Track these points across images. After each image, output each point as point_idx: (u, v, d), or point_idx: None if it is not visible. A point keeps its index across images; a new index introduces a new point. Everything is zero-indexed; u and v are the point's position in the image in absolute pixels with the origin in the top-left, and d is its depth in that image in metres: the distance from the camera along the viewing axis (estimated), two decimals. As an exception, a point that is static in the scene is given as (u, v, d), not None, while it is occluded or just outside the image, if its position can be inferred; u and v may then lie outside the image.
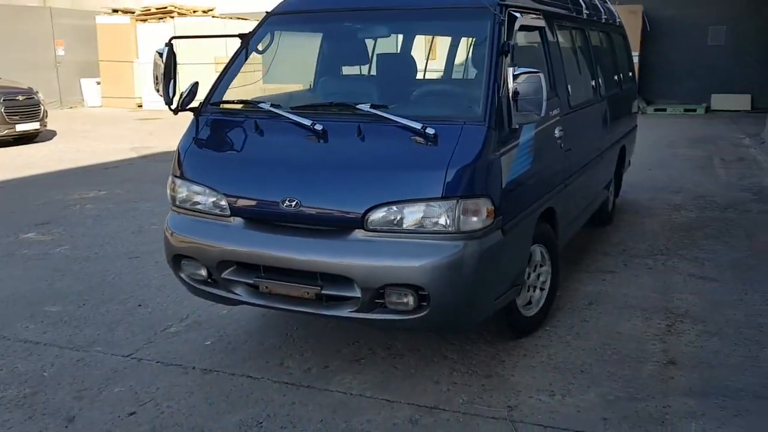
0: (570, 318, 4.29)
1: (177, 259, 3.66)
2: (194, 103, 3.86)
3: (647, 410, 3.24)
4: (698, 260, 5.42)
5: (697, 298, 4.61)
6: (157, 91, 3.82)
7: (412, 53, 4.57)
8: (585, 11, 5.29)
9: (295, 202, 3.29)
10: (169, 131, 14.39)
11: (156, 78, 3.79)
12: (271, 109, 3.60)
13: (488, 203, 3.16)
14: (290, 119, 3.50)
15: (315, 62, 4.58)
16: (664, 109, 16.86)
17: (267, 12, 4.15)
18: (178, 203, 3.71)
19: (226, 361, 3.82)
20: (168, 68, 3.73)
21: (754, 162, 10.13)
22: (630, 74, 6.92)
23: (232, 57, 4.04)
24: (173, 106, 3.77)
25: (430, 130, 3.18)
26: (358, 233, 3.22)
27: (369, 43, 4.41)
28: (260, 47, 4.07)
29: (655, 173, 9.13)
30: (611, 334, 4.05)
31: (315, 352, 3.89)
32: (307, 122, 3.41)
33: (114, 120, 16.62)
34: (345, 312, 3.27)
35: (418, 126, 3.20)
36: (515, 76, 3.23)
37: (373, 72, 4.33)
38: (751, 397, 3.35)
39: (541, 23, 4.13)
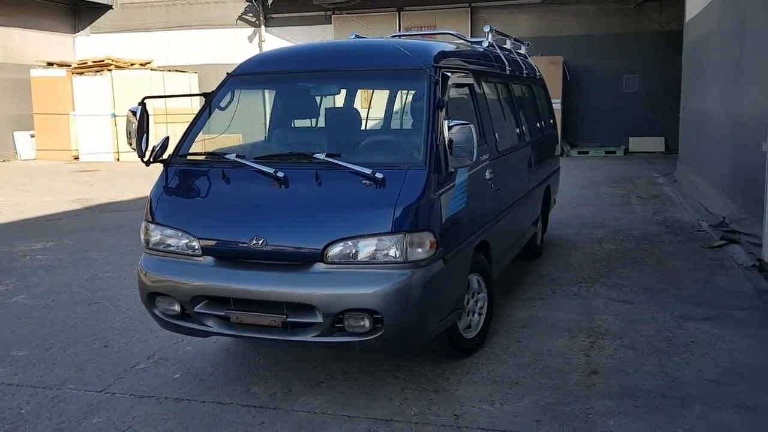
0: (505, 339, 4.79)
1: (151, 297, 4.01)
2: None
3: (573, 412, 3.74)
4: (617, 286, 6.05)
5: (615, 319, 5.19)
6: (130, 144, 4.21)
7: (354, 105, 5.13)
8: (508, 67, 5.95)
9: (262, 241, 3.71)
10: (109, 183, 14.53)
11: (129, 133, 4.17)
12: (237, 159, 4.04)
13: (431, 236, 3.66)
14: (254, 168, 3.94)
15: (268, 116, 5.05)
16: (587, 152, 17.99)
17: (227, 73, 4.62)
18: (151, 246, 4.07)
19: (195, 391, 4.14)
20: (141, 125, 4.13)
21: (667, 198, 11.04)
22: (551, 121, 7.64)
23: (198, 113, 4.47)
24: (145, 159, 4.16)
25: (378, 175, 3.67)
26: (319, 266, 3.66)
27: (318, 98, 4.93)
28: (222, 104, 4.52)
29: (579, 210, 9.88)
30: (542, 352, 4.57)
31: (278, 378, 4.25)
32: (270, 170, 3.86)
33: (51, 172, 16.59)
34: (309, 337, 3.68)
35: (368, 171, 3.69)
36: (450, 127, 3.77)
37: (323, 124, 4.83)
38: (660, 397, 3.89)
39: (470, 80, 4.72)
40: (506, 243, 5.25)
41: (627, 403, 3.81)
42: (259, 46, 20.40)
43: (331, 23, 19.83)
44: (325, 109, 4.87)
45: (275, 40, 20.22)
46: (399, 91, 4.53)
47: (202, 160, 4.25)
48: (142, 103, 4.18)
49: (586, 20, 18.28)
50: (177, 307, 3.93)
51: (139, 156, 4.17)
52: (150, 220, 4.08)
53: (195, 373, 4.41)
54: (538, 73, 7.48)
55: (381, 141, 4.31)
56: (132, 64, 19.29)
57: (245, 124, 4.80)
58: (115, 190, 13.24)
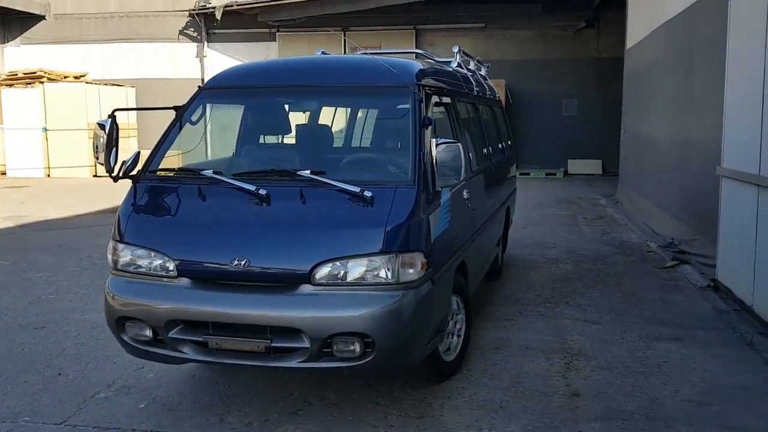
0: (481, 362, 4.72)
1: (120, 322, 3.75)
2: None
3: (563, 436, 3.69)
4: (581, 306, 6.08)
5: (586, 339, 5.20)
6: (97, 159, 3.96)
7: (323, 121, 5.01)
8: (475, 88, 5.96)
9: (244, 261, 3.53)
10: (42, 199, 13.88)
11: (96, 147, 3.93)
12: (214, 176, 3.85)
13: (422, 257, 3.56)
14: (234, 185, 3.76)
15: (237, 131, 4.87)
16: (528, 173, 18.29)
17: (199, 86, 4.43)
18: (120, 267, 3.82)
19: (165, 422, 3.89)
20: (110, 138, 3.89)
21: (612, 219, 11.30)
22: (509, 142, 7.70)
23: (168, 127, 4.25)
24: (114, 174, 3.92)
25: (367, 193, 3.55)
26: (306, 287, 3.50)
27: (293, 114, 4.79)
28: (193, 119, 4.32)
29: (530, 230, 9.98)
30: (520, 374, 4.52)
31: (253, 407, 4.05)
32: (251, 187, 3.69)
33: (-23, 189, 15.73)
34: (294, 362, 3.51)
35: (356, 189, 3.58)
36: (438, 146, 3.70)
37: (300, 141, 4.68)
38: (644, 418, 3.88)
39: (447, 99, 4.68)
40: (479, 263, 5.21)
41: (614, 426, 3.79)
42: (201, 61, 20.00)
43: (275, 41, 19.63)
44: (300, 126, 4.73)
45: (218, 56, 19.87)
46: (381, 108, 4.44)
47: (173, 177, 4.04)
48: (112, 116, 3.95)
49: (527, 45, 18.69)
50: (149, 333, 3.70)
51: (107, 171, 3.93)
52: (118, 239, 3.84)
53: (162, 402, 4.15)
54: (497, 95, 7.53)
55: (364, 159, 4.20)
56: (65, 77, 18.58)
57: (216, 139, 4.61)
58: (48, 208, 12.64)
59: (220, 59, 19.78)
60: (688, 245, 8.11)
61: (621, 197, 13.16)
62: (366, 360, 3.46)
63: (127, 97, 19.54)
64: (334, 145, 4.56)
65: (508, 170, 7.33)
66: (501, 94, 17.80)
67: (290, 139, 4.57)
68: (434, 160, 3.72)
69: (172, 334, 3.63)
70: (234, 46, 19.77)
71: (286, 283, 3.54)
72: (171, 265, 3.67)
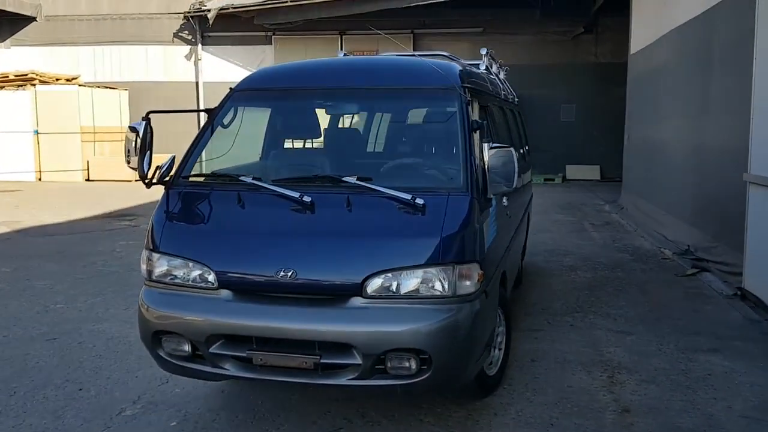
0: (521, 375, 4.54)
1: (156, 336, 3.54)
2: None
3: (623, 455, 3.52)
4: (610, 316, 5.93)
5: (623, 351, 5.04)
6: (128, 164, 3.75)
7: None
8: (502, 91, 5.80)
9: (291, 273, 3.33)
10: (36, 204, 13.58)
11: (128, 152, 3.72)
12: (254, 182, 3.66)
13: (478, 268, 3.38)
14: (275, 192, 3.56)
15: (265, 135, 4.66)
16: (527, 179, 18.18)
17: (230, 88, 4.23)
18: (155, 278, 3.62)
19: (200, 441, 3.69)
20: (144, 142, 3.69)
21: (619, 225, 11.19)
22: (527, 147, 7.55)
23: (201, 131, 4.05)
24: (148, 180, 3.71)
25: (419, 201, 3.37)
26: (356, 300, 3.31)
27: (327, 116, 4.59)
28: (225, 122, 4.12)
29: (540, 237, 9.82)
30: (563, 388, 4.34)
31: (291, 424, 3.85)
32: (295, 194, 3.49)
33: (-32, 193, 15.37)
34: (343, 380, 3.31)
35: (407, 197, 3.39)
36: (490, 150, 3.52)
37: (340, 146, 4.48)
38: (702, 436, 3.73)
39: (485, 102, 4.51)
40: (514, 272, 5.04)
41: (673, 444, 3.63)
42: (196, 64, 19.74)
43: (271, 44, 19.42)
44: (339, 129, 4.53)
45: (212, 59, 19.64)
46: (426, 111, 4.25)
47: (209, 182, 3.84)
48: (147, 118, 3.74)
49: (525, 50, 18.61)
50: (187, 348, 3.49)
51: (140, 177, 3.72)
52: (153, 248, 3.62)
53: (194, 419, 3.94)
54: (517, 98, 7.39)
55: (410, 165, 4.00)
56: (57, 79, 18.27)
57: (248, 143, 4.40)
58: (44, 212, 12.34)
59: (215, 62, 19.56)
60: (706, 252, 8.00)
61: (625, 203, 13.06)
62: (422, 378, 3.27)
63: (120, 100, 19.25)
64: (375, 150, 4.37)
65: (529, 175, 7.19)
66: (500, 99, 17.79)
67: (327, 144, 4.37)
68: (486, 166, 3.54)
69: (213, 349, 3.42)
70: (229, 50, 19.54)
71: (335, 295, 3.35)
72: (211, 276, 3.47)
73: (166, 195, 3.78)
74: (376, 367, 3.27)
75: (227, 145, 4.11)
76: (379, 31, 19.14)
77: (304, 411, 4.00)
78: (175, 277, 3.56)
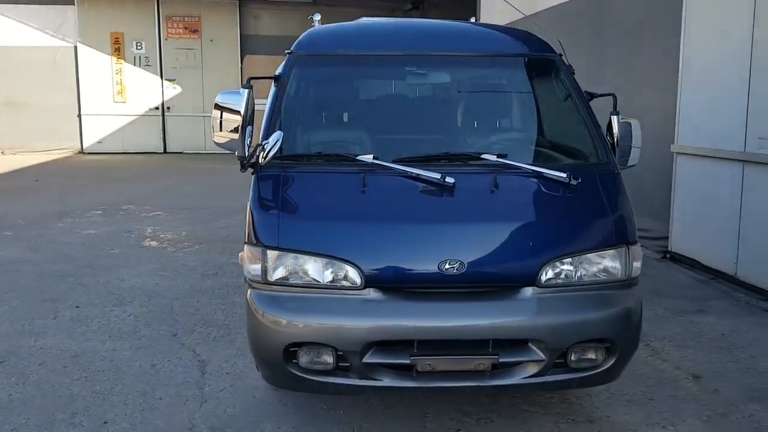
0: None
1: (290, 349, 2.91)
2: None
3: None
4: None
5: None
6: (216, 142, 3.01)
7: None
8: None
9: (458, 265, 2.90)
10: None
11: (220, 125, 2.99)
12: (380, 162, 3.12)
13: (639, 247, 3.21)
14: (411, 173, 3.07)
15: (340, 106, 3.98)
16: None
17: (287, 51, 3.54)
18: (275, 280, 2.96)
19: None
20: (246, 115, 2.98)
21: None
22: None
23: (274, 102, 3.36)
24: (258, 161, 3.03)
25: (574, 180, 3.11)
26: (530, 291, 2.98)
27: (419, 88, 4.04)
28: (291, 92, 3.47)
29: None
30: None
31: (404, 434, 3.41)
32: (436, 176, 3.04)
33: None
34: (517, 379, 2.98)
35: (562, 174, 3.11)
36: (620, 123, 3.37)
37: (438, 119, 3.94)
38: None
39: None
40: None
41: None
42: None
43: (73, 4, 17.14)
44: (438, 101, 3.95)
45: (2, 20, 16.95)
46: (533, 81, 3.86)
47: (313, 163, 3.22)
48: (249, 86, 3.02)
49: (357, 23, 18.48)
50: (331, 359, 2.91)
51: (239, 157, 3.01)
52: (269, 245, 2.96)
53: (288, 443, 3.33)
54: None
55: (533, 140, 3.63)
56: None
57: (317, 116, 3.75)
58: None
59: (6, 24, 16.99)
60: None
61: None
62: (604, 368, 3.04)
63: None
64: (482, 124, 3.90)
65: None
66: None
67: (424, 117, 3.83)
68: (615, 139, 3.38)
69: (367, 358, 2.89)
70: (23, 10, 16.98)
71: (506, 287, 2.99)
72: (355, 274, 2.91)
73: (265, 180, 3.11)
74: (557, 361, 2.99)
75: (297, 119, 3.49)
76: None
77: (398, 417, 3.57)
78: (306, 277, 2.94)
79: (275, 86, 3.43)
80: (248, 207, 3.14)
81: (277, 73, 3.54)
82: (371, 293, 2.92)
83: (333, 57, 3.68)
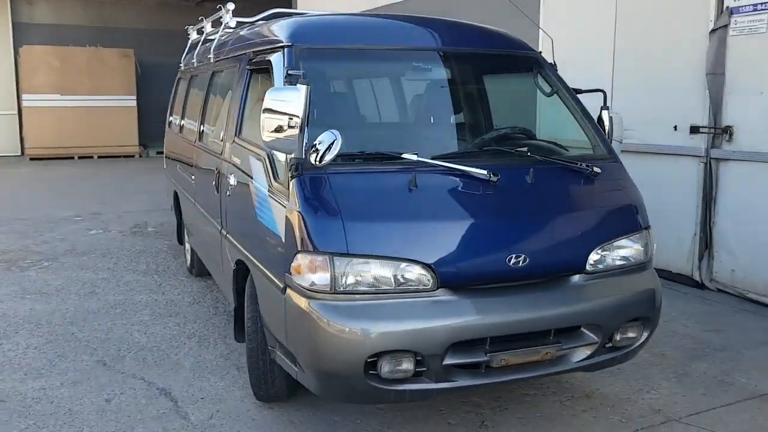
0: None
1: (369, 360, 2.74)
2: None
3: (701, 378, 4.09)
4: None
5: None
6: (270, 142, 2.71)
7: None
8: None
9: (522, 258, 2.94)
10: None
11: (280, 127, 2.71)
12: (425, 160, 3.03)
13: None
14: (458, 170, 3.04)
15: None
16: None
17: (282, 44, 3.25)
18: (345, 288, 2.75)
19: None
20: (305, 114, 2.72)
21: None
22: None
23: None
24: (314, 162, 2.77)
25: (596, 170, 3.30)
26: (578, 278, 3.11)
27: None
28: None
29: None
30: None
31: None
32: (482, 172, 3.04)
33: None
34: (573, 363, 3.10)
35: (585, 166, 3.28)
36: (611, 117, 3.64)
37: (445, 117, 3.80)
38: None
39: None
40: None
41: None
42: None
43: None
44: (438, 97, 3.81)
45: None
46: (520, 78, 3.89)
47: (356, 163, 3.03)
48: (307, 83, 2.74)
49: (153, 14, 17.39)
50: (410, 366, 2.78)
51: (294, 159, 2.77)
52: (337, 251, 2.74)
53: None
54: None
55: (526, 134, 3.66)
56: None
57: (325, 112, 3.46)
58: None
59: None
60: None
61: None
62: (638, 344, 3.27)
63: None
64: (485, 120, 3.83)
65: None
66: (129, 65, 16.33)
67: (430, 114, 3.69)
68: (607, 134, 3.64)
69: (447, 360, 2.81)
70: None
71: (558, 277, 3.09)
72: (428, 276, 2.81)
73: (314, 183, 2.87)
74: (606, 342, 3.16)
75: (326, 117, 3.28)
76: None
77: (418, 415, 3.54)
78: (377, 283, 2.77)
79: (286, 82, 3.16)
80: (294, 213, 2.88)
81: (282, 68, 3.25)
82: (444, 294, 2.85)
83: (344, 51, 3.48)
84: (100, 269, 6.53)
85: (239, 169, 3.77)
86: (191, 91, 6.01)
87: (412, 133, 3.84)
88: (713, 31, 5.48)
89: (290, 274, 2.90)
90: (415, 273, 2.82)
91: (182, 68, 6.74)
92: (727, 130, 5.51)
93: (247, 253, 3.57)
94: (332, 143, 2.78)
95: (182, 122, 6.15)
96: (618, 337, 3.19)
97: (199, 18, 6.10)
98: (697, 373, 4.15)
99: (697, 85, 5.63)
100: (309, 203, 2.84)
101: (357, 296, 2.79)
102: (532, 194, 3.19)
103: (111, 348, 4.52)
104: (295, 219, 2.88)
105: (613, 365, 3.35)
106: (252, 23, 5.18)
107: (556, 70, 3.81)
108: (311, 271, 2.79)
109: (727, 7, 5.40)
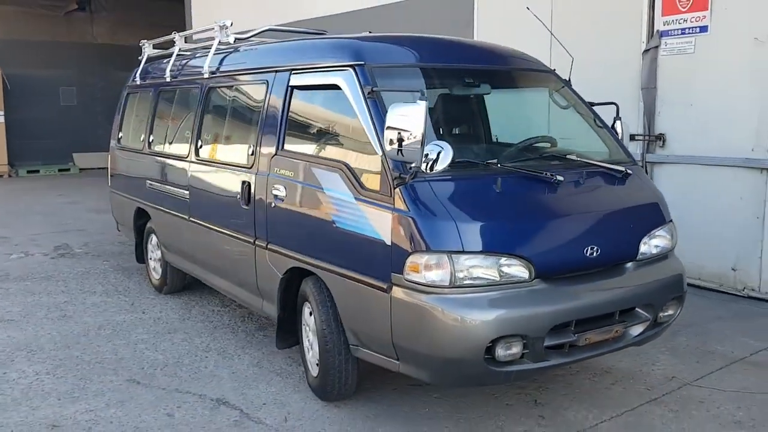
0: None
1: (489, 346, 3.06)
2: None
3: None
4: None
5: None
6: (387, 159, 3.01)
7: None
8: None
9: (596, 249, 3.38)
10: None
11: (401, 141, 2.96)
12: (507, 167, 3.44)
13: None
14: (537, 175, 3.43)
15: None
16: (38, 171, 16.15)
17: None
18: (460, 282, 3.07)
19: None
20: (425, 128, 2.97)
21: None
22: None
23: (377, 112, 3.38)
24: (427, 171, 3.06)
25: (629, 171, 3.81)
26: (632, 265, 3.59)
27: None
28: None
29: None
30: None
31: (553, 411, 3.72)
32: (560, 178, 3.44)
33: None
34: (631, 339, 3.56)
35: (620, 168, 3.78)
36: (622, 126, 4.19)
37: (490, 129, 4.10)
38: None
39: None
40: None
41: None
42: None
43: None
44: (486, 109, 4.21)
45: None
46: (546, 92, 4.26)
47: (449, 170, 3.31)
48: (425, 98, 2.99)
49: (17, 24, 16.21)
50: (519, 349, 3.12)
51: (413, 168, 3.06)
52: (454, 249, 3.05)
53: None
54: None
55: (578, 141, 4.09)
56: None
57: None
58: None
59: None
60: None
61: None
62: (674, 318, 3.79)
63: None
64: (521, 129, 4.16)
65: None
66: (-4, 79, 15.21)
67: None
68: (620, 138, 4.17)
69: (547, 341, 3.18)
70: None
71: (618, 264, 3.55)
72: (526, 269, 3.18)
73: (421, 189, 3.15)
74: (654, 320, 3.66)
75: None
76: None
77: (477, 404, 3.86)
78: (487, 277, 3.11)
79: (371, 99, 3.41)
80: (404, 217, 3.12)
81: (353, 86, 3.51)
82: (539, 284, 3.22)
83: (407, 69, 3.77)
84: (54, 293, 6.20)
85: (291, 180, 3.90)
86: (165, 107, 5.92)
87: (477, 142, 4.18)
88: (646, 51, 6.27)
89: (400, 273, 3.13)
90: (516, 265, 3.17)
91: (138, 83, 6.57)
92: (661, 137, 6.32)
93: (312, 260, 3.72)
94: (441, 153, 3.07)
95: (151, 138, 6.02)
96: (662, 313, 3.71)
97: (172, 33, 6.01)
98: (682, 346, 4.79)
99: (633, 98, 6.40)
100: (423, 207, 3.10)
101: (470, 289, 3.09)
102: (596, 193, 3.67)
103: (132, 367, 4.42)
104: (405, 223, 3.12)
105: (654, 339, 3.86)
106: (246, 39, 5.30)
107: (571, 85, 4.31)
108: (427, 270, 3.06)
109: (657, 30, 6.22)
